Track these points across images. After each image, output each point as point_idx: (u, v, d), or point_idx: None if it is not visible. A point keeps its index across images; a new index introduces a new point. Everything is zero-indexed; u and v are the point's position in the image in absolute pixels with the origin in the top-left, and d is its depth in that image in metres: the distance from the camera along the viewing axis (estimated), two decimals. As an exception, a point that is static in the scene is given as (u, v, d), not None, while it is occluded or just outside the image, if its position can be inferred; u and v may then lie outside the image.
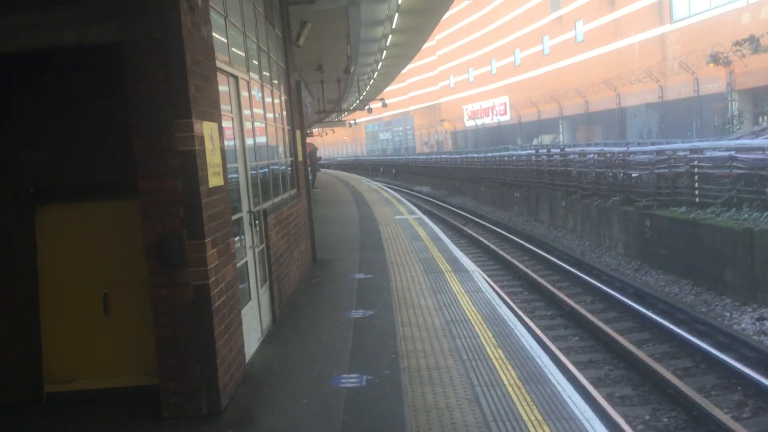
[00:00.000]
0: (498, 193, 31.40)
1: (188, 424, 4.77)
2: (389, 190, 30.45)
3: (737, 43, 28.90)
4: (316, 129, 61.36)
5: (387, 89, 42.07)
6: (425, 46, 28.89)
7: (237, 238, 6.11)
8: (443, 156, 54.09)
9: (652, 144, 22.72)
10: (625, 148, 19.70)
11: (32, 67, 5.40)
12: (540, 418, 4.56)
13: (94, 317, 5.43)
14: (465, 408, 4.78)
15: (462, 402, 4.90)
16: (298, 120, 11.35)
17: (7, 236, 5.44)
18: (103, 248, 5.43)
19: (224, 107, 5.84)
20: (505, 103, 61.69)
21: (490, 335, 6.59)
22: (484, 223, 25.34)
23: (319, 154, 62.43)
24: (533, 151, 29.99)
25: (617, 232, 17.77)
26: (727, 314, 11.47)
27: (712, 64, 31.29)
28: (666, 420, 7.54)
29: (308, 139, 71.86)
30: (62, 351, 5.44)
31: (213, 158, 5.14)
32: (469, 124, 70.85)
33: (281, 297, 7.94)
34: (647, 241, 16.03)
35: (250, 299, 6.58)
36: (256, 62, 8.02)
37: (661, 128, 37.01)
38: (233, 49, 6.74)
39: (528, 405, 4.79)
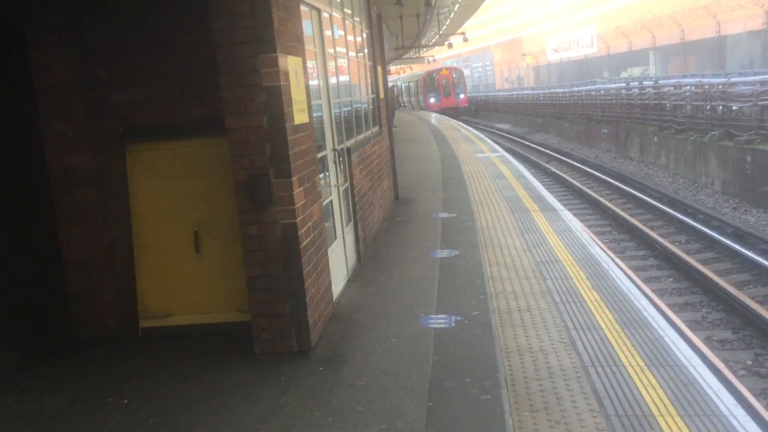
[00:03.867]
0: (583, 129, 30.23)
1: (279, 361, 4.80)
2: (469, 128, 29.85)
3: None
4: (394, 66, 60.11)
5: (467, 23, 40.66)
6: (508, -25, 27.51)
7: (322, 176, 6.03)
8: (525, 92, 52.34)
9: (755, 74, 21.13)
10: (726, 79, 18.39)
11: (117, 4, 5.36)
12: (642, 364, 4.32)
13: (185, 255, 5.51)
14: (560, 352, 4.60)
15: (557, 345, 4.71)
16: (380, 56, 11.07)
17: (99, 175, 5.53)
18: (193, 186, 5.46)
19: (307, 45, 5.66)
20: (592, 34, 58.72)
21: (584, 276, 6.33)
22: (568, 160, 24.52)
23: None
24: (623, 84, 28.54)
25: (714, 169, 16.79)
26: (839, 256, 10.69)
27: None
28: (770, 366, 7.14)
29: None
30: (156, 288, 5.57)
31: (298, 94, 5.00)
32: (553, 57, 68.07)
33: (365, 236, 7.88)
34: (748, 177, 15.07)
35: (335, 238, 6.53)
36: (337, -3, 7.77)
37: (765, 57, 34.40)
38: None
39: (628, 350, 4.55)
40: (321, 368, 4.67)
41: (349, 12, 8.56)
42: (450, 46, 38.93)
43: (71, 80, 5.43)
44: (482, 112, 57.16)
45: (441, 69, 52.37)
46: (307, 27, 5.92)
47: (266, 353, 4.91)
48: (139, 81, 5.41)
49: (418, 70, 60.58)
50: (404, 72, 72.21)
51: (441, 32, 36.44)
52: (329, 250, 5.92)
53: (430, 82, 50.69)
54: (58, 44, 5.39)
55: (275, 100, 4.63)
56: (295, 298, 4.85)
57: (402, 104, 60.55)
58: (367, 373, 4.51)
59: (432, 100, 50.65)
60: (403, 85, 62.19)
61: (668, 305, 8.86)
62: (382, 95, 11.10)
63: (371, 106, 10.30)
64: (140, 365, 5.08)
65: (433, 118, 39.22)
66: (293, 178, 4.76)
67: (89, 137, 5.49)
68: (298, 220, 4.81)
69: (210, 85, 4.97)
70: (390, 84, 45.45)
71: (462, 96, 51.31)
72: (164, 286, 5.57)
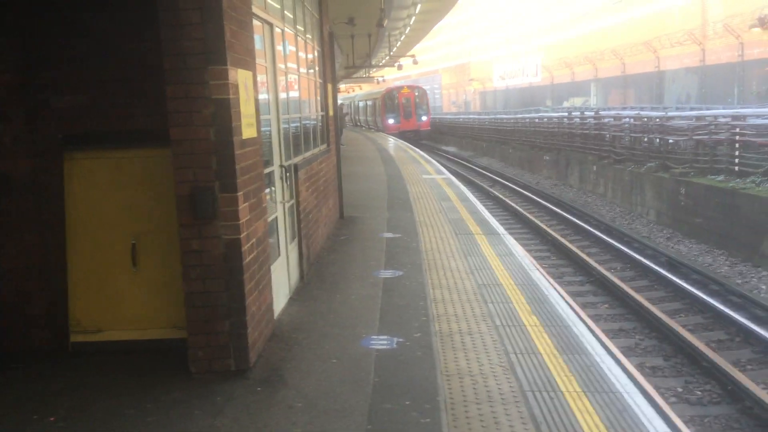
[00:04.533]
0: (526, 155, 30.90)
1: (216, 380, 4.68)
2: (415, 149, 30.11)
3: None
4: (344, 85, 59.49)
5: (417, 46, 41.11)
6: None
7: (268, 192, 5.96)
8: (471, 116, 53.18)
9: (691, 109, 22.06)
10: (663, 113, 19.13)
11: (65, 7, 5.21)
12: (579, 389, 4.39)
13: (122, 268, 5.34)
14: (500, 376, 4.63)
15: (497, 369, 4.75)
16: (330, 74, 11.08)
17: (36, 182, 5.32)
18: (133, 198, 5.30)
19: (258, 59, 5.62)
20: (537, 64, 60.24)
21: (524, 301, 6.42)
22: (511, 185, 24.98)
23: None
24: (565, 114, 29.33)
25: (650, 199, 17.37)
26: (764, 287, 11.17)
27: (758, 29, 29.98)
28: (699, 393, 7.36)
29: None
30: (89, 301, 5.37)
31: (247, 108, 4.94)
32: (499, 84, 69.48)
33: (309, 254, 7.82)
34: (681, 209, 15.64)
35: (279, 255, 6.46)
36: (290, 15, 7.75)
37: (700, 93, 35.90)
38: (268, -3, 6.48)
39: (566, 375, 4.62)
40: (259, 388, 4.57)
41: (302, 29, 8.56)
42: (400, 67, 39.30)
43: (13, 83, 5.23)
44: (427, 133, 57.48)
45: (402, 87, 47.66)
46: (259, 41, 5.88)
47: (203, 372, 4.78)
48: (84, 87, 5.24)
49: (377, 87, 55.91)
50: (353, 91, 71.12)
51: (391, 53, 36.83)
52: (272, 267, 5.84)
53: (390, 101, 46.26)
54: (2, 46, 5.19)
55: (224, 113, 4.56)
56: (235, 315, 4.75)
57: (358, 124, 59.12)
58: (306, 394, 4.45)
59: (391, 121, 46.34)
60: (360, 103, 58.71)
61: (604, 331, 9.06)
62: (331, 113, 11.09)
63: (320, 124, 10.28)
64: (70, 381, 4.86)
65: (379, 137, 39.36)
66: (239, 193, 4.69)
67: (28, 142, 5.29)
68: (242, 235, 4.73)
69: (157, 94, 4.87)
70: (339, 102, 43.87)
71: (424, 118, 47.14)
72: (98, 299, 5.37)
